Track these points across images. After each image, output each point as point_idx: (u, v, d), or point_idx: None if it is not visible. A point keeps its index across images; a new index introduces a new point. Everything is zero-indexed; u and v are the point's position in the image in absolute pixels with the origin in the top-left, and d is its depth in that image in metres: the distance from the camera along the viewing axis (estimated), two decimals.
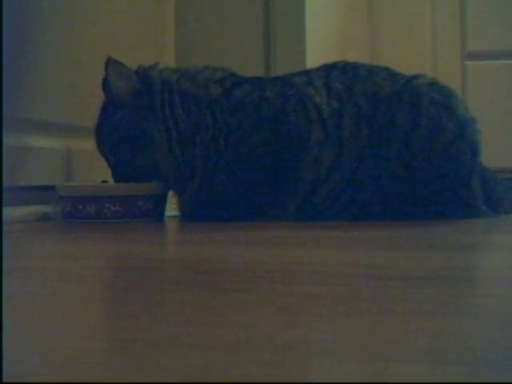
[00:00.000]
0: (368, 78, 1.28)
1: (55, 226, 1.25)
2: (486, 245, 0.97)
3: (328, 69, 1.31)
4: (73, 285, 0.61)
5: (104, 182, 1.35)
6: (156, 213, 1.30)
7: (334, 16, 2.22)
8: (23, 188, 1.32)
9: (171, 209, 1.38)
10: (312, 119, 1.25)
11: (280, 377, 0.32)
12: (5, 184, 1.17)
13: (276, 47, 1.87)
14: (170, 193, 1.34)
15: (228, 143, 1.25)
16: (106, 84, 1.30)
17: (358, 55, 2.05)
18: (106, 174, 1.32)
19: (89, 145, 1.33)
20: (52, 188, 1.32)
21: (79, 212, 1.26)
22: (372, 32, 2.43)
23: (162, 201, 1.32)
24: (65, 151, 1.43)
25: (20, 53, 1.32)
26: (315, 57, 1.81)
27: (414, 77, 1.29)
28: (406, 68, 1.37)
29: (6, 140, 1.20)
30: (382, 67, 1.33)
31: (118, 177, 1.29)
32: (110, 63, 1.26)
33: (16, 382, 0.32)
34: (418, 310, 0.47)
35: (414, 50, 2.37)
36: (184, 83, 1.29)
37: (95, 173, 1.39)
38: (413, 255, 0.79)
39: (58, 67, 1.43)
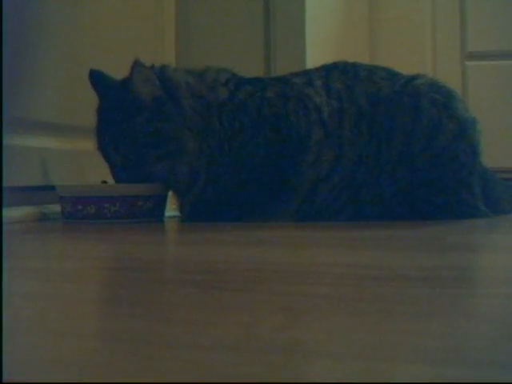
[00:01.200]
0: (368, 78, 1.28)
1: (55, 226, 1.25)
2: (485, 245, 0.97)
3: (328, 69, 1.31)
4: (73, 285, 0.61)
5: (103, 182, 1.35)
6: (156, 213, 1.30)
7: (334, 16, 2.22)
8: (22, 188, 1.32)
9: (171, 209, 1.38)
10: (312, 119, 1.25)
11: (280, 377, 0.32)
12: (5, 184, 1.17)
13: (276, 47, 1.87)
14: (170, 193, 1.34)
15: (231, 146, 1.25)
16: (96, 79, 1.28)
17: (357, 55, 2.05)
18: (104, 174, 1.32)
19: (86, 145, 1.33)
20: (51, 188, 1.32)
21: (79, 212, 1.26)
22: (372, 32, 2.43)
23: (162, 201, 1.32)
24: (62, 151, 1.43)
25: (19, 53, 1.32)
26: (315, 57, 1.81)
27: (414, 77, 1.30)
28: (406, 68, 1.37)
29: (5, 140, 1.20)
30: (381, 67, 1.33)
31: (121, 178, 1.27)
32: (136, 66, 1.22)
33: (16, 382, 0.32)
34: (418, 310, 0.47)
35: (414, 50, 2.37)
36: (198, 86, 1.28)
37: (92, 173, 1.39)
38: (413, 255, 0.79)
39: (57, 67, 1.43)
